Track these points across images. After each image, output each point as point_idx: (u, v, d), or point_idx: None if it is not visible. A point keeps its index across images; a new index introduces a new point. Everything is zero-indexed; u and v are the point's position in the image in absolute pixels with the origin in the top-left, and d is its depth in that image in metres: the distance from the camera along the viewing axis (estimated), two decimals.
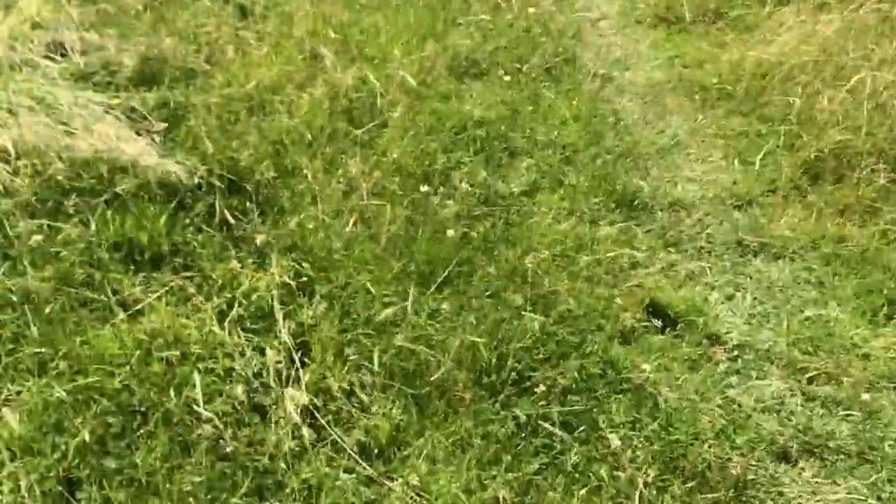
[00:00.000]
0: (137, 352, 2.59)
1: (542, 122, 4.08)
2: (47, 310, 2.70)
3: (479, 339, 2.76)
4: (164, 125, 3.55)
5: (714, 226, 3.64)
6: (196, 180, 3.30)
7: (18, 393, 2.48)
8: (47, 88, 3.55)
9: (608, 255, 3.33)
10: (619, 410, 2.73)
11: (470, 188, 3.53)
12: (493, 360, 2.78)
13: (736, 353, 3.03)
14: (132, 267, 2.97)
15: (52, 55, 3.83)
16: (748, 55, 4.67)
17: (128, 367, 2.54)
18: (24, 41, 3.86)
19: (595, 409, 2.72)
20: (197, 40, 4.10)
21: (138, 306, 2.78)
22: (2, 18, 4.01)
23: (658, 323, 3.10)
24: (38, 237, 2.88)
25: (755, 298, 3.28)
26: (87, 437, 2.31)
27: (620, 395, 2.79)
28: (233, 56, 4.00)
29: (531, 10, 4.85)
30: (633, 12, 5.33)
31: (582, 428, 2.65)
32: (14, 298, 2.73)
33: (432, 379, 2.68)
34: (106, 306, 2.78)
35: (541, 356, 2.87)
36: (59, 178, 3.15)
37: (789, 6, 5.05)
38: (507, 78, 4.34)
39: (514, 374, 2.78)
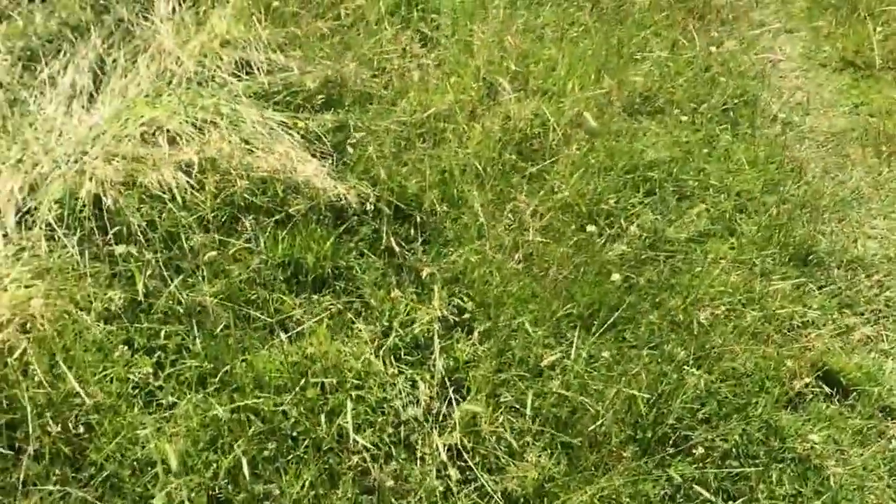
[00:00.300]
0: (296, 376, 2.62)
1: (716, 166, 3.93)
2: (212, 325, 2.77)
3: (638, 393, 2.66)
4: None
5: (894, 289, 3.44)
6: (366, 205, 3.32)
7: (173, 405, 2.55)
8: (232, 106, 3.65)
9: (779, 312, 3.18)
10: (782, 481, 2.62)
11: (637, 231, 3.42)
12: (651, 416, 2.69)
13: None
14: (295, 287, 3.02)
15: (238, 73, 3.94)
16: None
17: (290, 393, 2.57)
18: (213, 58, 3.99)
19: (755, 478, 2.60)
20: (378, 66, 4.15)
21: (299, 328, 2.82)
22: (192, 35, 4.16)
23: (829, 390, 2.95)
24: (213, 252, 2.96)
25: None
26: (241, 459, 2.35)
27: (783, 465, 2.67)
28: (410, 82, 4.03)
29: (713, 49, 4.68)
30: (817, 55, 5.07)
31: (741, 497, 2.54)
32: (181, 311, 2.81)
33: (587, 430, 2.59)
34: (268, 326, 2.83)
35: (701, 415, 2.77)
36: (240, 195, 3.24)
37: None
38: (684, 118, 4.20)
39: (671, 432, 2.69)
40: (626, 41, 4.63)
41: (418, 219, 3.33)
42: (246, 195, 3.22)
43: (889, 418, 2.89)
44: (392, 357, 2.80)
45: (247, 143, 3.47)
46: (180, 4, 4.39)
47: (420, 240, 3.29)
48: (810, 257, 3.52)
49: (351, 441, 2.46)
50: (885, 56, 4.85)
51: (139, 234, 3.01)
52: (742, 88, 4.53)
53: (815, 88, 4.76)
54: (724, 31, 5.03)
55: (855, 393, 2.94)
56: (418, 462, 2.51)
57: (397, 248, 3.17)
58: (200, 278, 2.89)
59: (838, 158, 4.19)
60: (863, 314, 3.31)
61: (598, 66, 4.33)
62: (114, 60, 3.99)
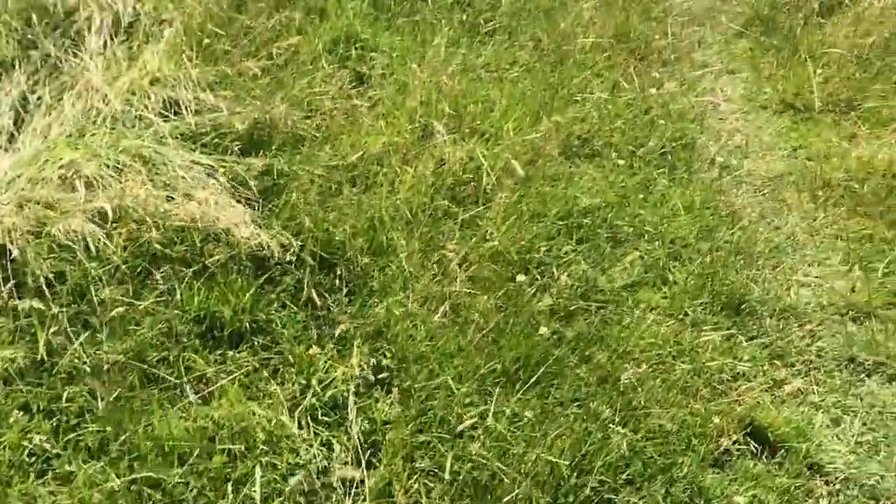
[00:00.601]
0: (202, 442, 2.51)
1: (652, 212, 3.89)
2: (116, 386, 2.65)
3: (559, 461, 2.59)
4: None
5: (826, 338, 3.39)
6: (287, 255, 3.21)
7: (72, 475, 2.42)
8: (155, 148, 3.54)
9: (709, 364, 3.14)
10: None
11: (568, 280, 3.36)
12: (573, 479, 2.61)
13: (838, 486, 2.80)
14: (210, 343, 2.90)
15: (165, 113, 3.83)
16: (881, 152, 4.36)
17: (188, 464, 2.46)
18: (141, 96, 3.88)
19: None
20: (310, 107, 4.06)
21: (209, 389, 2.71)
22: (123, 71, 4.05)
23: (756, 447, 2.89)
24: (121, 308, 2.84)
25: (864, 424, 3.03)
26: None
27: None
28: (342, 124, 3.94)
29: (652, 90, 4.66)
30: (758, 96, 5.06)
31: None
32: (87, 370, 2.68)
33: (504, 500, 2.51)
34: (177, 386, 2.72)
35: (625, 477, 2.70)
36: (154, 245, 3.12)
37: None
38: (621, 162, 4.16)
39: (594, 495, 2.62)
40: (567, 82, 4.60)
41: (342, 269, 3.24)
42: (160, 245, 3.10)
43: (817, 476, 2.84)
44: (308, 417, 2.70)
45: (168, 186, 3.36)
46: (112, 39, 4.29)
47: (345, 290, 3.20)
48: (742, 306, 3.47)
49: None
50: (824, 98, 4.85)
51: (45, 286, 2.87)
52: (681, 131, 4.51)
53: (755, 131, 4.75)
54: (666, 73, 5.02)
55: (783, 450, 2.89)
56: None
57: (319, 301, 3.08)
58: (108, 335, 2.77)
59: (775, 203, 4.16)
60: (794, 365, 3.26)
61: (537, 108, 4.29)
62: (38, 98, 3.89)
